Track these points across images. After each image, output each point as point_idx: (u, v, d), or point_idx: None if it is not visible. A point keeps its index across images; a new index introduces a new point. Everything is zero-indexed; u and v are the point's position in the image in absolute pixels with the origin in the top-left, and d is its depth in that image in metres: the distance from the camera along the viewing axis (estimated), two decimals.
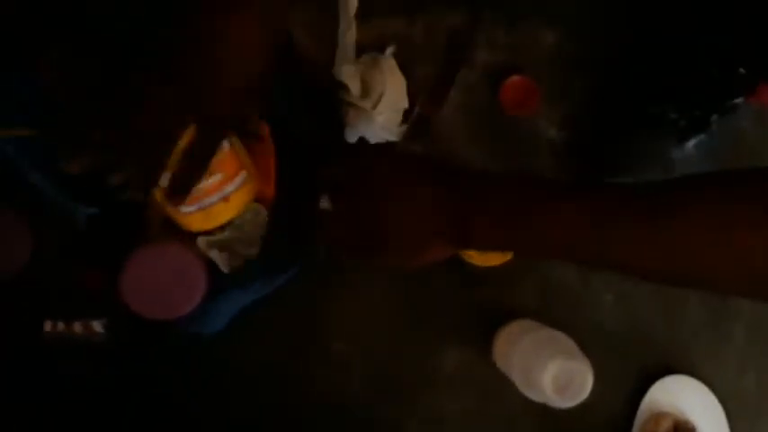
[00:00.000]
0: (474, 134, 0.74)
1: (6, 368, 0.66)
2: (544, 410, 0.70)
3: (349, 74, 0.70)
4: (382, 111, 0.70)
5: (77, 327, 0.66)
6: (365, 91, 0.71)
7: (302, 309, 0.73)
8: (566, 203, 0.46)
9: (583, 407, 0.71)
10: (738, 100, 0.71)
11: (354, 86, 0.70)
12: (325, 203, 0.54)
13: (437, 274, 0.74)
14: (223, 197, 0.62)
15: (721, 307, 0.78)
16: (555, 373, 0.56)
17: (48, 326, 0.67)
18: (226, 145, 0.61)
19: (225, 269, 0.63)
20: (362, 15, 0.72)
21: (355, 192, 0.53)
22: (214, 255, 0.63)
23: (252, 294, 0.70)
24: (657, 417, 0.73)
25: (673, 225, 0.42)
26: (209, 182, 0.61)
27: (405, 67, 0.71)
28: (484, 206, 0.48)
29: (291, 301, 0.72)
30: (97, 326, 0.65)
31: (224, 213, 0.63)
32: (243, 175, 0.63)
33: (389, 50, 0.71)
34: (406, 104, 0.72)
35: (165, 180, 0.57)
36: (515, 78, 0.72)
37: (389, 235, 0.51)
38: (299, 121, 0.69)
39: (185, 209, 0.62)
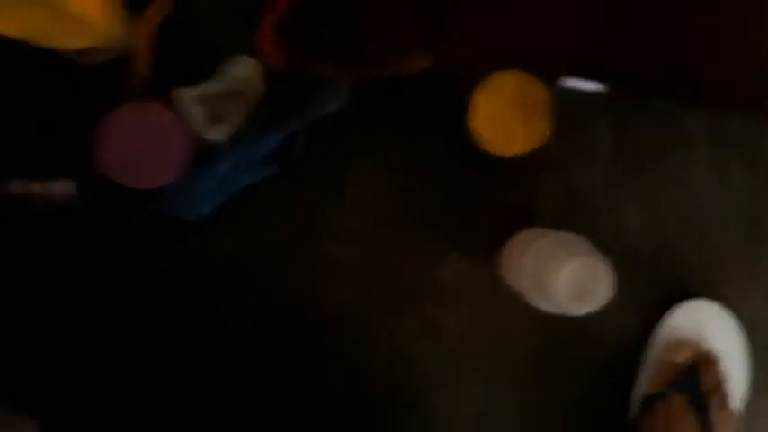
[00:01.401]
0: None
1: None
2: (548, 329, 0.65)
3: None
4: None
5: (47, 187, 0.59)
6: None
7: (294, 203, 0.65)
8: None
9: (591, 327, 0.65)
10: None
11: None
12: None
13: (445, 167, 0.65)
14: None
15: (758, 228, 0.68)
16: (571, 272, 0.49)
17: (17, 186, 0.61)
18: None
19: (205, 131, 0.55)
20: None
21: None
22: (194, 111, 0.55)
23: (242, 175, 0.63)
24: (676, 345, 0.64)
25: None
26: None
27: None
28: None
29: (282, 194, 0.64)
30: (70, 187, 0.59)
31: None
32: None
33: None
34: None
35: None
36: None
37: (367, 34, 0.45)
38: None
39: None
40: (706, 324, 0.65)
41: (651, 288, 0.68)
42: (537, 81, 0.57)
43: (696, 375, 0.63)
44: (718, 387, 0.62)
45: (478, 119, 0.58)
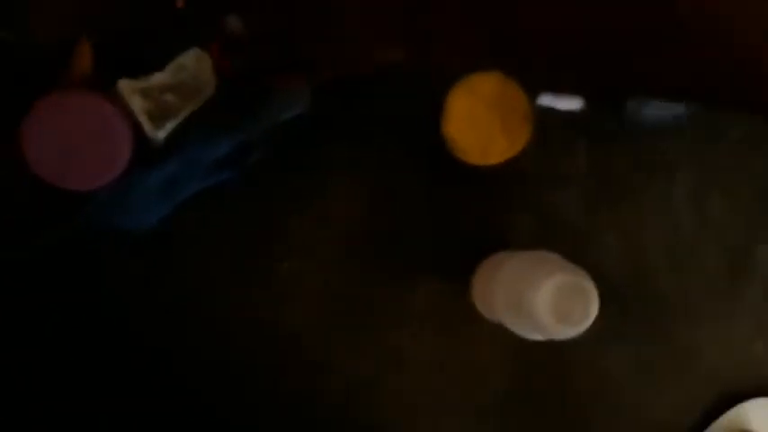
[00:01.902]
0: None
1: None
2: (525, 361, 0.60)
3: None
4: None
5: None
6: None
7: (249, 215, 0.59)
8: None
9: (568, 359, 0.61)
10: None
11: None
12: (235, 23, 0.42)
13: (417, 180, 0.60)
14: None
15: (737, 263, 0.64)
16: (552, 290, 0.44)
17: None
18: None
19: (147, 127, 0.49)
20: None
21: None
22: (136, 104, 0.49)
23: (190, 181, 0.57)
24: None
25: None
26: None
27: None
28: None
29: (236, 204, 0.59)
30: None
31: None
32: None
33: None
34: None
35: None
36: None
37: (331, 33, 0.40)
38: None
39: None
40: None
41: (630, 318, 0.63)
42: (515, 84, 0.53)
43: None
44: None
45: (453, 123, 0.53)
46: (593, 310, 0.44)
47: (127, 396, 0.59)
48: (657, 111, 0.62)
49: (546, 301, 0.43)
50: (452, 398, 0.62)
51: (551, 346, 0.61)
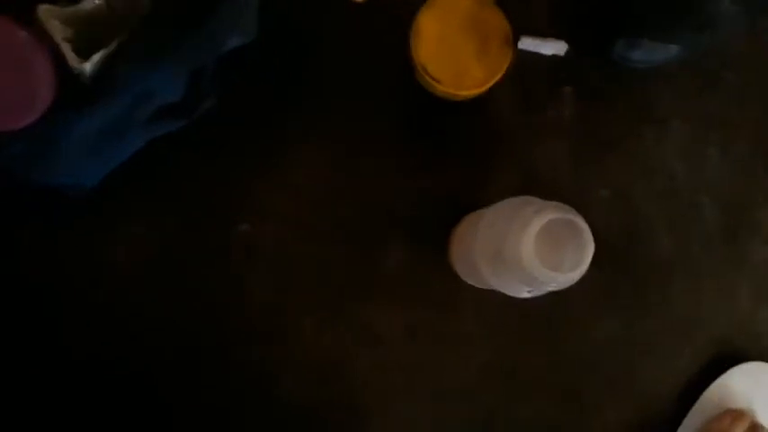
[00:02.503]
0: None
1: None
2: (506, 332, 0.55)
3: None
4: None
5: None
6: None
7: (201, 174, 0.54)
8: None
9: (554, 328, 0.56)
10: None
11: None
12: None
13: (386, 123, 0.54)
14: None
15: (737, 219, 0.59)
16: (542, 230, 0.37)
17: None
18: None
19: (70, 58, 0.42)
20: None
21: None
22: (57, 32, 0.42)
23: (133, 130, 0.50)
24: (734, 415, 0.55)
25: None
26: None
27: None
28: None
29: (188, 162, 0.53)
30: None
31: None
32: None
33: None
34: None
35: None
36: None
37: None
38: None
39: None
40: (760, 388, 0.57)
41: (623, 280, 0.58)
42: (493, 4, 0.47)
43: None
44: None
45: (423, 49, 0.47)
46: (588, 253, 0.38)
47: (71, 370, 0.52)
48: (647, 53, 0.56)
49: (535, 242, 0.37)
50: (430, 374, 0.55)
51: (539, 313, 0.56)
